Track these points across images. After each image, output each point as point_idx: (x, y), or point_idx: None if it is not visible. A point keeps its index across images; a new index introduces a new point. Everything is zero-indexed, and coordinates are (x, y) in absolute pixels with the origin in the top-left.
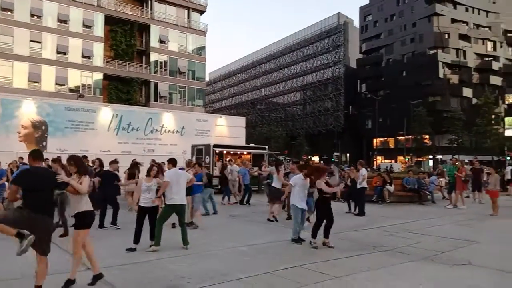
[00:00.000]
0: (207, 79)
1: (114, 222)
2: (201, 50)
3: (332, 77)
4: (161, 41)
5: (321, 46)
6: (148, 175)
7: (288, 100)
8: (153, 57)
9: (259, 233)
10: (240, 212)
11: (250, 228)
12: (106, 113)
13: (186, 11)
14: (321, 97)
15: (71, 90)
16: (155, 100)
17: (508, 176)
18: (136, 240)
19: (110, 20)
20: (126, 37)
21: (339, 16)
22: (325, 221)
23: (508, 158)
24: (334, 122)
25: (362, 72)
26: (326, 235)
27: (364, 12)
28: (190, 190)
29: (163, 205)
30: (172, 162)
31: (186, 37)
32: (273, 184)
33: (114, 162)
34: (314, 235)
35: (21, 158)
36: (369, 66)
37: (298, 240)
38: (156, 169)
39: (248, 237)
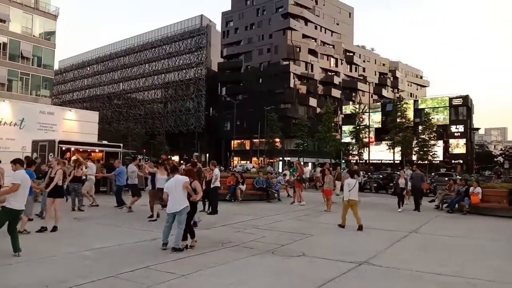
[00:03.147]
0: (56, 67)
1: None
2: (50, 34)
3: (194, 78)
4: (0, 20)
5: (184, 46)
6: None
7: (149, 97)
8: None
9: (106, 236)
10: (87, 215)
11: (97, 232)
12: None
13: None
14: (183, 96)
15: None
16: None
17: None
18: None
19: None
20: None
21: (202, 19)
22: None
23: (343, 161)
24: (195, 122)
25: (222, 75)
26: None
27: (226, 17)
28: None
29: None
30: (20, 162)
31: (33, 19)
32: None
33: None
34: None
35: None
36: (229, 70)
37: (182, 249)
38: None
39: (93, 240)
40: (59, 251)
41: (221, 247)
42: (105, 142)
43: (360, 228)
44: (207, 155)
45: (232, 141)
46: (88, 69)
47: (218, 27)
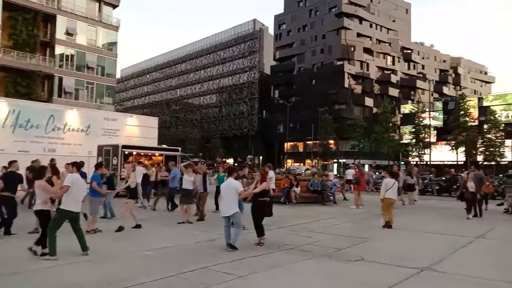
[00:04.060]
0: (118, 76)
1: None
2: (112, 45)
3: (248, 81)
4: (68, 33)
5: (237, 51)
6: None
7: (204, 102)
8: (59, 49)
9: (165, 236)
10: (147, 216)
11: (157, 232)
12: (1, 108)
13: (97, 3)
14: (237, 100)
15: None
16: (59, 96)
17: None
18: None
19: (9, 6)
20: (28, 26)
21: (255, 23)
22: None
23: (402, 163)
24: (248, 125)
25: (275, 78)
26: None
27: (278, 20)
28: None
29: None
30: (77, 165)
31: (96, 31)
32: (183, 186)
33: (14, 161)
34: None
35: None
36: (282, 73)
37: (237, 248)
38: None
39: (154, 240)
40: (123, 250)
41: (277, 250)
42: (164, 146)
43: (387, 225)
44: (261, 157)
45: (285, 144)
46: (148, 76)
47: (271, 30)
